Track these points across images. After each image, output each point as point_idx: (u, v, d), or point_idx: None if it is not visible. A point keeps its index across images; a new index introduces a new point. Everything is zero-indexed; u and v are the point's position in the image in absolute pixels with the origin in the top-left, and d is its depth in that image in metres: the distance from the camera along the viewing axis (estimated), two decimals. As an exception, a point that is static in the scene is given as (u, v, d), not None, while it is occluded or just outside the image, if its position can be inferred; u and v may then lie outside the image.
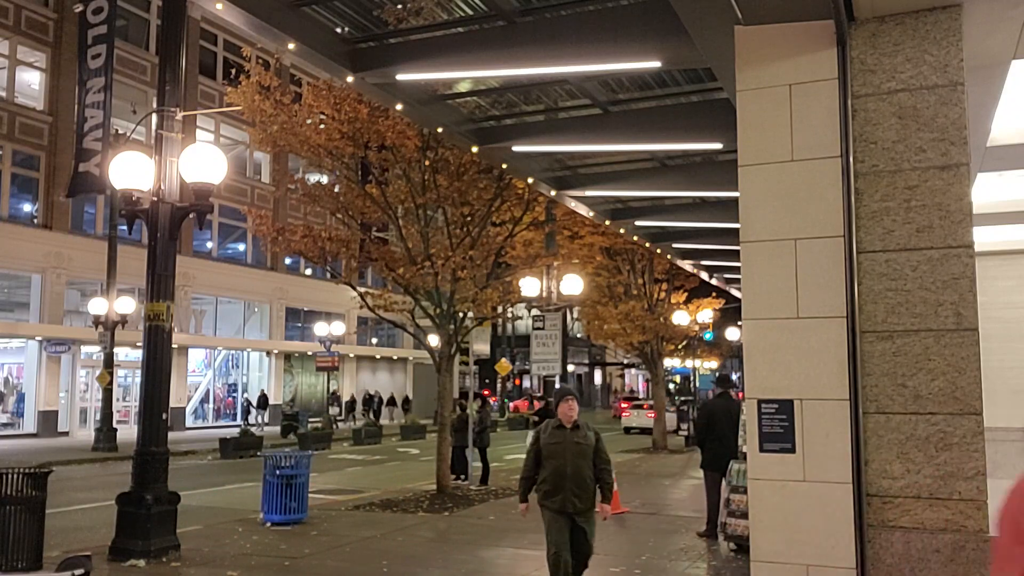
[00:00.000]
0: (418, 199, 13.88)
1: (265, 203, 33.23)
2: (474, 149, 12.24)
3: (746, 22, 5.62)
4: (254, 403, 32.78)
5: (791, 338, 5.33)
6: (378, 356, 41.93)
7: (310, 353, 34.77)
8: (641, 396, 59.20)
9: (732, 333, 38.89)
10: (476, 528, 10.92)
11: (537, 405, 28.76)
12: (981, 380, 4.94)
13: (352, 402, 37.45)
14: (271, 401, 35.45)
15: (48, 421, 26.69)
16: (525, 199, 15.25)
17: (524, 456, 6.78)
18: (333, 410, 33.74)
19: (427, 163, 13.97)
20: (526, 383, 57.46)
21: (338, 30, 9.51)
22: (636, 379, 76.87)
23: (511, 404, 49.87)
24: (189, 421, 32.15)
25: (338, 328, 31.79)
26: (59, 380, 27.45)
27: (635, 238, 19.31)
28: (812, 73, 5.45)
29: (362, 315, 31.13)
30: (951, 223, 5.07)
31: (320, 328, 31.32)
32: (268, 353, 35.92)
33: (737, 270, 8.57)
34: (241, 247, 34.79)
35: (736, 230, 5.81)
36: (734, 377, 13.71)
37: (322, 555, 9.09)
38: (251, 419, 31.80)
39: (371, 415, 36.12)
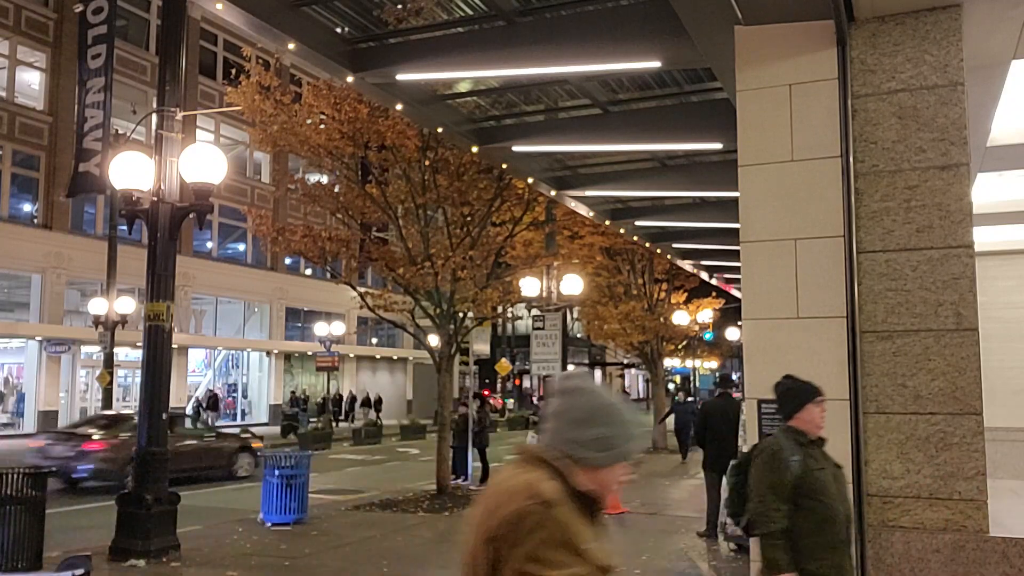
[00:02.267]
0: (418, 199, 13.88)
1: (265, 203, 33.21)
2: (474, 149, 12.24)
3: (746, 22, 5.62)
4: (204, 403, 31.21)
5: (791, 338, 5.32)
6: (378, 356, 41.91)
7: (310, 353, 34.71)
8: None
9: (732, 333, 38.87)
10: (476, 528, 10.90)
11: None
12: (981, 380, 4.94)
13: (323, 403, 34.67)
14: (271, 401, 35.33)
15: (48, 421, 26.64)
16: (525, 199, 15.23)
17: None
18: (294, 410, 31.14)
19: (427, 163, 13.96)
20: (526, 383, 57.36)
21: (338, 30, 9.51)
22: (636, 379, 76.83)
23: (495, 399, 48.60)
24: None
25: (338, 328, 31.76)
26: (59, 380, 27.46)
27: (635, 238, 19.30)
28: (812, 73, 5.45)
29: (362, 315, 31.05)
30: (951, 223, 5.07)
31: (320, 328, 31.29)
32: (268, 353, 35.90)
33: (737, 270, 8.56)
34: (241, 247, 34.78)
35: (736, 230, 5.82)
36: (734, 377, 13.67)
37: (322, 555, 9.09)
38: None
39: (338, 419, 34.32)
